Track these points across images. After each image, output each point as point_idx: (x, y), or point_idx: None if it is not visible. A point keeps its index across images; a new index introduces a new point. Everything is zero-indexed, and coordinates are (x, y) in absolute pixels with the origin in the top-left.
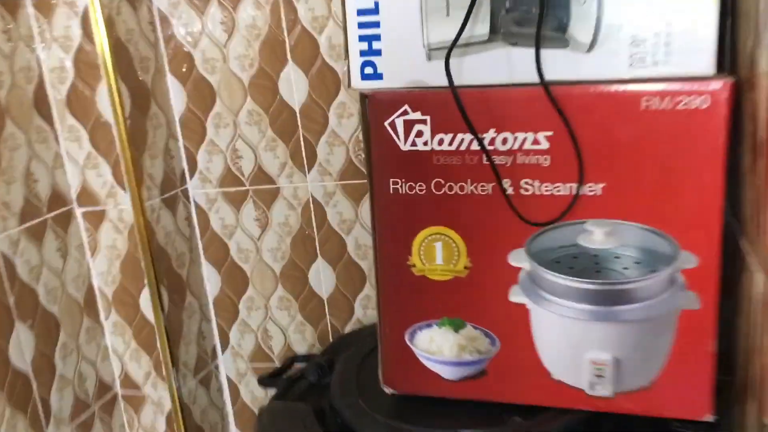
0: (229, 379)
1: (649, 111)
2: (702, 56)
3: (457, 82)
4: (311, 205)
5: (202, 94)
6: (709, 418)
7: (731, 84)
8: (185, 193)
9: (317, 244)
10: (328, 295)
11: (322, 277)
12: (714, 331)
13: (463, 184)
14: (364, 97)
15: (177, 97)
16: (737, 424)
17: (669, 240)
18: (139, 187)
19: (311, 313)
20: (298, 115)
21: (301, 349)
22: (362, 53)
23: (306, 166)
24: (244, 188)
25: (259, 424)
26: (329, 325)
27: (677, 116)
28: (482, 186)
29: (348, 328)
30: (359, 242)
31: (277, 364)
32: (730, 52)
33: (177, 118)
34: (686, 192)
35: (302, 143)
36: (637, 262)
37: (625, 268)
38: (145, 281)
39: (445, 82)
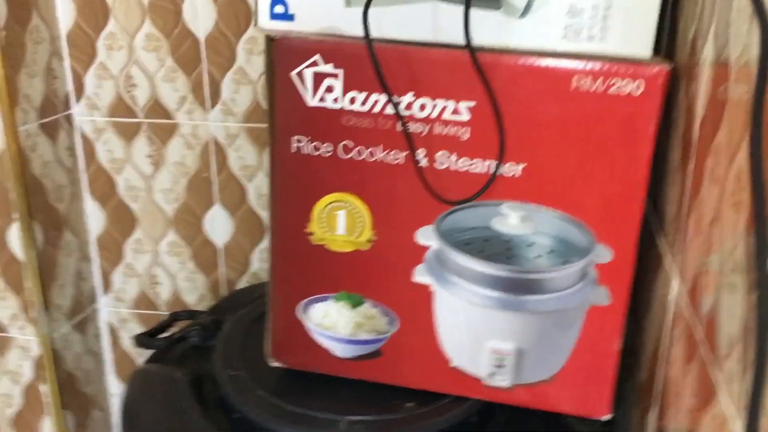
0: (110, 325)
1: (580, 91)
2: (640, 37)
3: (376, 34)
4: (211, 146)
5: (94, 10)
6: (606, 417)
7: (668, 71)
8: (69, 119)
9: (215, 188)
10: (223, 244)
11: (218, 225)
12: (621, 329)
13: (374, 149)
14: (271, 41)
15: (65, 10)
16: (635, 424)
17: (585, 231)
18: (12, 107)
19: (204, 261)
20: (202, 45)
21: (190, 298)
22: None
23: (209, 103)
24: (137, 120)
25: (128, 389)
26: (224, 276)
27: (608, 100)
28: (395, 154)
29: (244, 281)
30: (262, 191)
31: (163, 312)
32: (668, 35)
33: (63, 34)
34: (608, 182)
35: (205, 77)
36: (550, 252)
37: (538, 257)
38: (15, 215)
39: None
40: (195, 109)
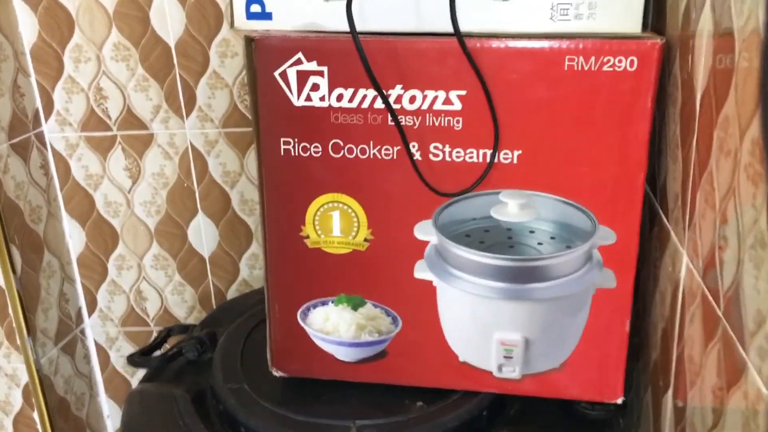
0: (97, 345)
1: (572, 72)
2: (629, 13)
3: (359, 27)
4: (190, 155)
5: (57, 22)
6: (620, 400)
7: (661, 45)
8: (40, 137)
9: (197, 197)
10: (210, 253)
11: (203, 234)
12: (629, 310)
13: (365, 146)
14: (250, 41)
15: (26, 25)
16: (649, 406)
17: (587, 214)
18: None
19: (191, 273)
20: (173, 51)
21: (180, 312)
22: None
23: (184, 111)
24: (111, 133)
25: (126, 411)
26: (212, 286)
27: (602, 78)
28: (386, 150)
29: (233, 290)
30: (245, 197)
31: (152, 327)
32: (654, 10)
33: (27, 50)
34: (608, 163)
35: (179, 84)
36: (552, 237)
37: (540, 244)
38: None
39: (345, 27)
40: (170, 117)
